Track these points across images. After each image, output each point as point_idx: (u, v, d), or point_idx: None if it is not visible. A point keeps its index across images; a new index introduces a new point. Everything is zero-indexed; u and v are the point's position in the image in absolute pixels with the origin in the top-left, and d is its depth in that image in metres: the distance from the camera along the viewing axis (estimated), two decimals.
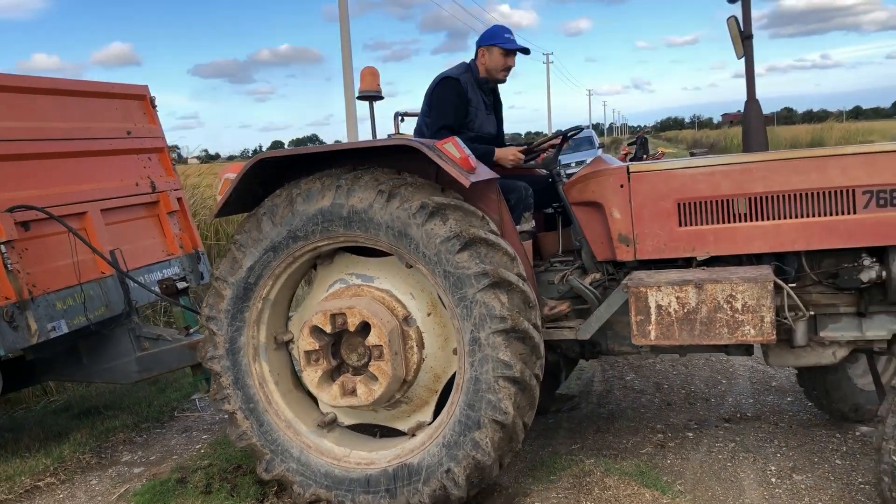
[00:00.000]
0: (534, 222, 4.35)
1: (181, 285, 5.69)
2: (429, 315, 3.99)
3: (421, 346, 3.96)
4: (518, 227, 4.14)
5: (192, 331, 5.59)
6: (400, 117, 7.14)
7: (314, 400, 4.24)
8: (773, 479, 4.07)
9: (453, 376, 3.96)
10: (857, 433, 4.55)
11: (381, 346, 3.78)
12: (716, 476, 4.16)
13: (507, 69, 4.68)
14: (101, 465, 5.13)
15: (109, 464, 5.14)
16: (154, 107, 6.32)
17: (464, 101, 4.51)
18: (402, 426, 4.15)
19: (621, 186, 3.97)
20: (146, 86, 6.28)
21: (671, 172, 3.92)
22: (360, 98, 5.30)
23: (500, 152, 4.41)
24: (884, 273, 3.70)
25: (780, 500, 3.85)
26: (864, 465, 4.10)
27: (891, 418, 3.25)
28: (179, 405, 6.35)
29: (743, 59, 4.32)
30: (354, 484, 3.94)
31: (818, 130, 39.71)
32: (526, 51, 4.77)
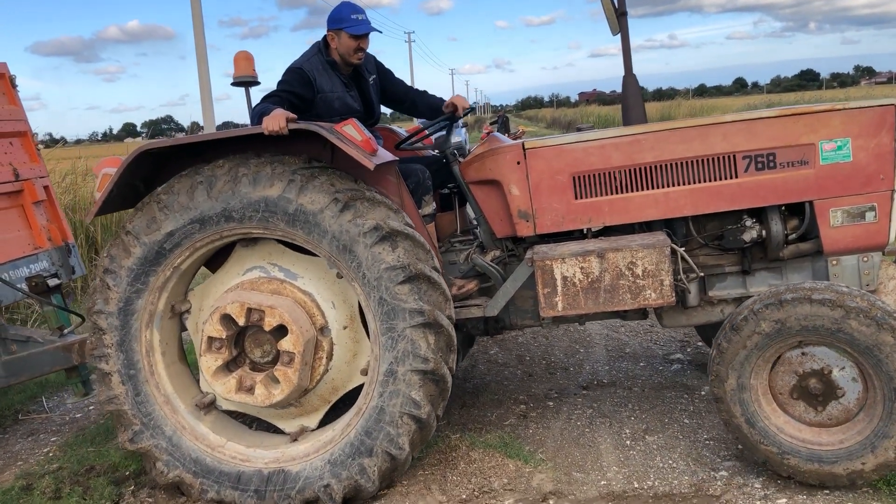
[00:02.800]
0: (434, 205, 4.32)
1: (52, 282, 5.26)
2: (345, 328, 3.88)
3: (330, 358, 3.86)
4: (419, 210, 4.11)
5: (66, 331, 5.20)
6: None
7: (195, 375, 4.07)
8: (628, 442, 4.27)
9: (349, 391, 3.93)
10: (703, 393, 4.84)
11: (293, 353, 3.65)
12: (575, 442, 4.32)
13: (360, 51, 4.51)
14: None
15: None
16: (14, 86, 5.75)
17: (308, 91, 4.34)
18: (285, 426, 4.06)
19: (518, 163, 4.01)
20: (5, 63, 5.73)
21: (565, 147, 3.99)
22: (234, 84, 5.07)
23: (266, 119, 3.66)
24: (763, 232, 3.97)
25: (634, 461, 4.04)
26: (709, 423, 4.37)
27: (729, 320, 3.59)
28: (24, 407, 5.89)
29: (616, 37, 4.41)
30: (224, 477, 3.82)
31: (667, 107, 41.94)
32: (377, 30, 4.57)
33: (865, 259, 3.88)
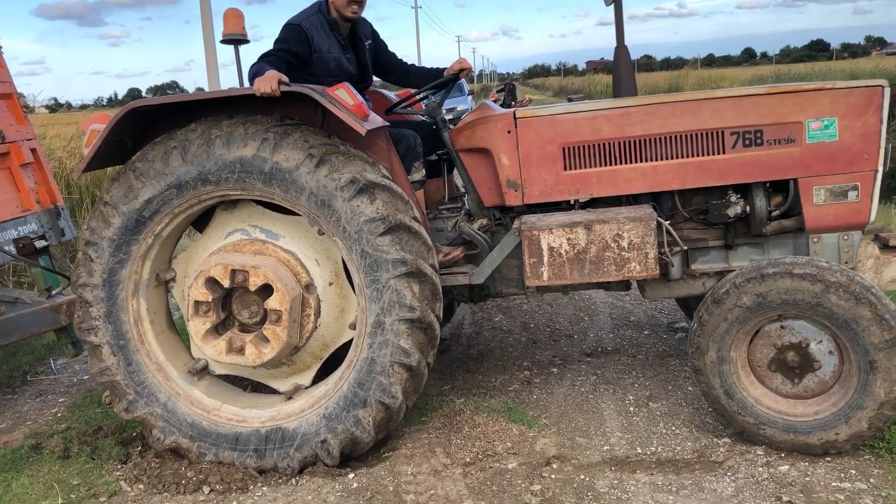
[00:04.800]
0: (424, 171, 4.31)
1: (40, 244, 5.28)
2: (330, 284, 3.92)
3: (318, 314, 3.91)
4: (409, 177, 4.12)
5: (54, 292, 5.23)
6: None
7: (185, 343, 4.12)
8: (632, 408, 4.31)
9: (340, 346, 3.96)
10: None
11: (280, 311, 3.70)
12: (579, 408, 4.36)
13: (357, 3, 4.43)
14: None
15: None
16: None
17: (305, 49, 4.29)
18: (279, 386, 4.12)
19: (508, 132, 4.02)
20: None
21: (556, 118, 3.99)
22: (223, 42, 5.01)
23: (258, 81, 3.64)
24: (747, 208, 4.00)
25: (637, 427, 4.08)
26: None
27: (710, 293, 3.66)
28: (32, 368, 5.97)
29: (611, 7, 4.38)
30: (222, 439, 3.88)
31: (675, 77, 41.55)
32: None
33: (846, 237, 3.93)
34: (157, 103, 3.77)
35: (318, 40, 4.33)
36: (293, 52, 4.22)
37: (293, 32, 4.29)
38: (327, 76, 4.31)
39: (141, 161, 3.74)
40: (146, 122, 3.91)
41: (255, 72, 3.89)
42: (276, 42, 4.30)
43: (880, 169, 3.79)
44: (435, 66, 4.88)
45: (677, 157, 3.91)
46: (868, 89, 3.74)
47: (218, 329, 3.88)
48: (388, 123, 3.94)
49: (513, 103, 6.88)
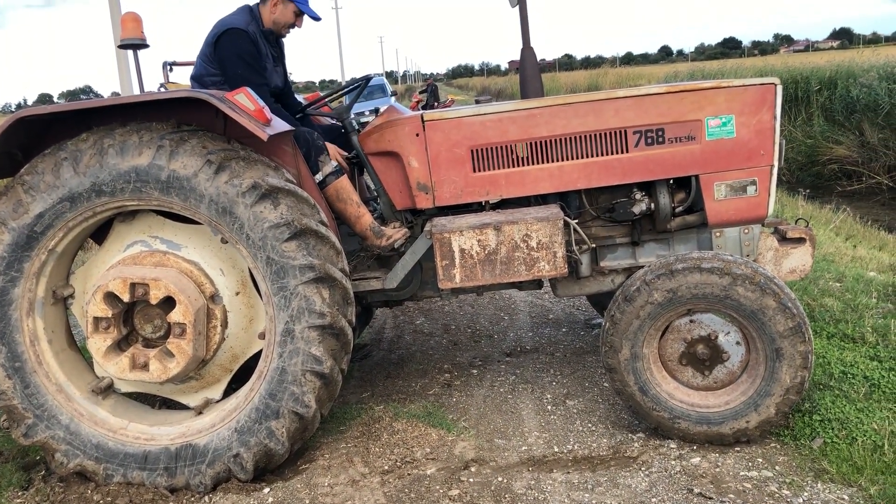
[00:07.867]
0: (334, 162, 4.15)
1: None
2: (237, 294, 3.80)
3: (225, 325, 3.79)
4: (321, 173, 4.05)
5: None
6: (169, 67, 6.71)
7: (88, 361, 3.95)
8: (549, 407, 4.34)
9: (251, 357, 3.87)
10: None
11: (184, 324, 3.57)
12: (497, 409, 4.37)
13: (294, 27, 4.44)
14: None
15: None
16: None
17: (261, 55, 4.22)
18: (189, 401, 3.98)
19: (417, 135, 4.00)
20: None
21: (463, 120, 4.00)
22: (121, 47, 4.86)
23: (388, 241, 4.12)
24: (652, 205, 4.09)
25: (555, 425, 4.12)
26: None
27: (621, 291, 3.72)
28: None
29: (517, 8, 4.42)
30: (129, 459, 3.73)
31: (594, 76, 42.39)
32: (317, 18, 4.57)
33: (746, 231, 4.06)
34: (47, 112, 3.60)
35: (261, 47, 4.24)
36: (257, 59, 4.15)
37: (247, 41, 4.14)
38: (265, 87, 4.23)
39: (30, 174, 3.57)
40: (39, 131, 3.73)
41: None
42: (239, 57, 4.11)
43: (776, 164, 3.92)
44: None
45: (582, 157, 3.96)
46: (762, 87, 3.86)
47: (120, 345, 3.73)
48: (292, 128, 3.86)
49: (435, 104, 6.80)
